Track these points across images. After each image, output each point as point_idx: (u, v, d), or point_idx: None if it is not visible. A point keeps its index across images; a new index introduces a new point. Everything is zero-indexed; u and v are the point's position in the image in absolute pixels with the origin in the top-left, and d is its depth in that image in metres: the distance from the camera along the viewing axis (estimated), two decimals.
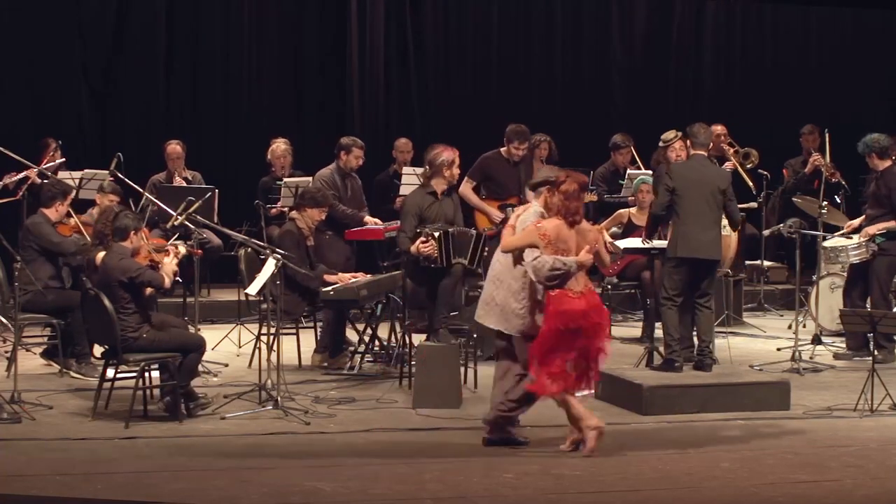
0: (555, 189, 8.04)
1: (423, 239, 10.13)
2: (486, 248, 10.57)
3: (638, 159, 13.66)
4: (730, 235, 11.90)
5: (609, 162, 13.82)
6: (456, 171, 10.44)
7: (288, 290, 10.06)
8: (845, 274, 11.95)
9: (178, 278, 9.63)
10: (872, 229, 11.12)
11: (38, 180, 12.24)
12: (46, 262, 10.30)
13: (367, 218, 11.89)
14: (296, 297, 10.41)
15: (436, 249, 10.10)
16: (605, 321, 8.13)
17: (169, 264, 9.16)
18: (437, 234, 10.11)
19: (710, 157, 13.68)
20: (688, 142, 10.25)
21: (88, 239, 10.16)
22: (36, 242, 10.28)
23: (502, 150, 11.86)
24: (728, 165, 13.43)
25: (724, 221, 11.67)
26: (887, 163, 11.15)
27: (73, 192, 10.93)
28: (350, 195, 11.75)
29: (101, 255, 9.32)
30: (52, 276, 10.32)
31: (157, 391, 9.17)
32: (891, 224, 11.03)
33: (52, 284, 10.27)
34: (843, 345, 11.51)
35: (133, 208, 11.08)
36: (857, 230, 11.41)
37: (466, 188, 11.70)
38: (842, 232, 11.67)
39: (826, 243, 11.54)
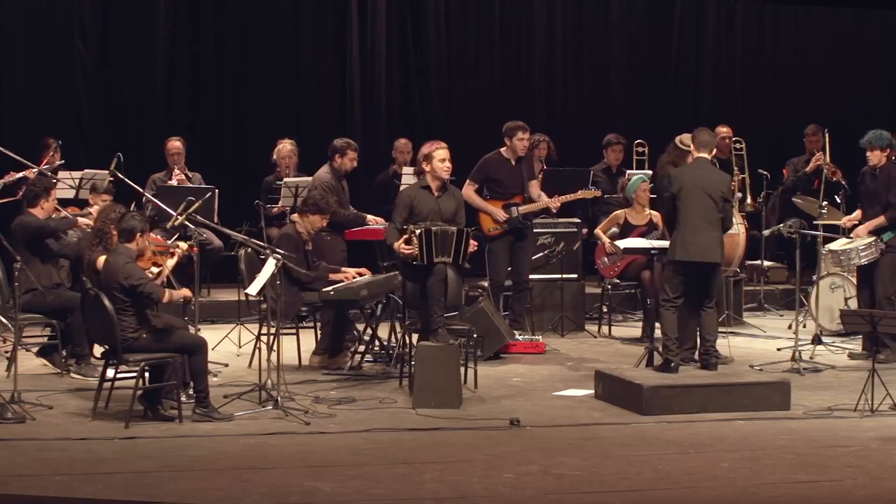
0: None
1: (405, 237, 9.97)
2: (474, 244, 10.36)
3: (634, 158, 13.66)
4: (738, 234, 11.89)
5: (603, 161, 13.82)
6: (439, 164, 10.10)
7: (284, 289, 10.01)
8: (847, 275, 11.94)
9: (172, 281, 9.64)
10: (862, 230, 11.11)
11: None
12: (45, 261, 10.28)
13: (370, 217, 11.86)
14: (291, 296, 10.36)
15: (416, 248, 9.86)
16: None
17: (167, 271, 9.18)
18: (418, 232, 9.90)
19: (714, 159, 13.78)
20: (691, 144, 10.33)
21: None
22: (23, 236, 10.16)
23: (502, 150, 11.79)
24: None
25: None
26: (884, 160, 11.10)
27: (55, 185, 10.86)
28: (347, 197, 11.77)
29: (103, 255, 9.32)
30: (51, 276, 10.31)
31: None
32: (880, 220, 11.00)
33: (51, 284, 10.26)
34: (843, 345, 11.52)
35: (134, 206, 11.07)
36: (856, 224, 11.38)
37: (469, 190, 11.63)
38: (844, 235, 11.65)
39: (832, 246, 11.50)
